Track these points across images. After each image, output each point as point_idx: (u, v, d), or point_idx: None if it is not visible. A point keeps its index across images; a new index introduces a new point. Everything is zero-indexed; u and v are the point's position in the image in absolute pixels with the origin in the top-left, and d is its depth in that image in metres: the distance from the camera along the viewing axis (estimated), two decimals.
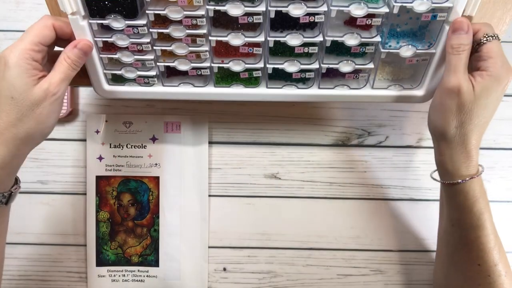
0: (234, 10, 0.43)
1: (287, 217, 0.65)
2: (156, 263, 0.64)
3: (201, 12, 0.43)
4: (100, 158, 0.63)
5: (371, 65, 0.48)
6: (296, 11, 0.43)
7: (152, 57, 0.48)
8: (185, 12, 0.43)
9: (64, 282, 0.65)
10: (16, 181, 0.46)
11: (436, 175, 0.49)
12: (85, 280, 0.65)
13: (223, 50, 0.48)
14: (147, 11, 0.44)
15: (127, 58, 0.48)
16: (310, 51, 0.46)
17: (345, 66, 0.47)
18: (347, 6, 0.42)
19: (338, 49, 0.48)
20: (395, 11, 0.43)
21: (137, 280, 0.65)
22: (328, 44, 0.45)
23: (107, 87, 0.50)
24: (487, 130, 0.64)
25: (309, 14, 0.43)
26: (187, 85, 0.50)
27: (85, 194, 0.64)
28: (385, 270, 0.66)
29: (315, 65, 0.47)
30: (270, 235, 0.65)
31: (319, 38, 0.45)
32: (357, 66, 0.47)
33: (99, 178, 0.64)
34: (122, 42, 0.46)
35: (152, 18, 0.44)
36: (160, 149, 0.63)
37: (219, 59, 0.48)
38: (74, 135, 0.64)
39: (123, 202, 0.64)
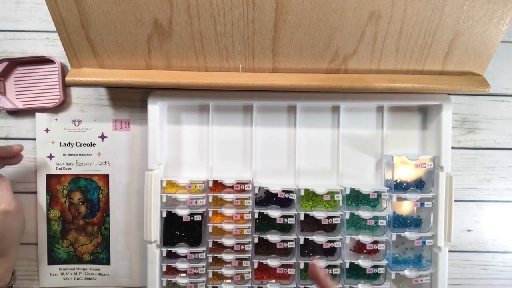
0: (273, 237, 0.60)
1: None
2: (107, 261, 0.64)
3: (248, 239, 0.60)
4: (51, 156, 0.64)
5: (386, 285, 0.62)
6: (319, 238, 0.60)
7: (204, 279, 0.60)
8: (237, 240, 0.60)
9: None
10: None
11: None
12: (36, 278, 0.64)
13: (264, 271, 0.62)
14: (208, 240, 0.60)
15: (183, 280, 0.60)
16: (333, 272, 0.60)
17: (364, 286, 0.61)
18: (357, 235, 0.60)
19: (356, 272, 0.62)
20: (393, 238, 0.60)
21: (89, 278, 0.65)
22: (347, 266, 0.60)
23: None
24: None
25: (329, 241, 0.60)
26: None
27: (35, 192, 0.64)
28: None
29: (339, 285, 0.61)
30: None
31: (339, 261, 0.61)
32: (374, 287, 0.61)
33: (49, 177, 0.64)
34: (182, 266, 0.59)
35: (211, 245, 0.60)
36: (109, 147, 0.64)
37: (259, 281, 0.62)
38: (24, 134, 0.64)
39: (74, 201, 0.64)
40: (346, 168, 0.64)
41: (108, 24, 0.52)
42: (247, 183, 0.60)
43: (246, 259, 0.61)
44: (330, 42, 0.54)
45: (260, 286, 0.61)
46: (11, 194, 0.56)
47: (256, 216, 0.60)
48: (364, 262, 0.60)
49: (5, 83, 0.63)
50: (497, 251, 0.65)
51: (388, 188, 0.61)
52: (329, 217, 0.59)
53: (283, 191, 0.60)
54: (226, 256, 0.60)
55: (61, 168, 0.64)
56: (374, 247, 0.60)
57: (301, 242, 0.60)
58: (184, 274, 0.60)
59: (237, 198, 0.60)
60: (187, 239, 0.61)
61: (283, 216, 0.59)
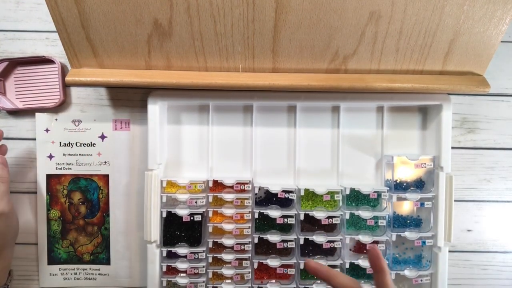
0: (273, 237, 0.60)
1: None
2: (107, 261, 0.64)
3: (248, 239, 0.60)
4: (51, 156, 0.64)
5: None
6: (319, 238, 0.60)
7: (204, 279, 0.60)
8: (237, 240, 0.60)
9: (14, 281, 0.64)
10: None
11: None
12: (36, 278, 0.64)
13: (264, 271, 0.62)
14: (208, 240, 0.60)
15: (183, 280, 0.60)
16: None
17: (364, 286, 0.61)
18: (357, 235, 0.60)
19: (357, 273, 0.62)
20: (393, 238, 0.60)
21: (89, 278, 0.65)
22: (347, 266, 0.60)
23: None
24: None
25: (329, 241, 0.60)
26: None
27: (35, 192, 0.64)
28: None
29: None
30: None
31: (339, 261, 0.61)
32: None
33: (49, 177, 0.64)
34: (182, 266, 0.59)
35: (211, 245, 0.60)
36: (109, 147, 0.64)
37: (259, 281, 0.62)
38: (24, 134, 0.64)
39: (74, 201, 0.64)
40: (346, 168, 0.64)
41: (108, 24, 0.52)
42: (247, 183, 0.60)
43: (246, 259, 0.61)
44: (330, 42, 0.54)
45: (260, 286, 0.61)
46: (8, 196, 0.56)
47: (256, 216, 0.60)
48: (364, 262, 0.60)
49: (5, 83, 0.63)
50: (497, 251, 0.66)
51: (388, 188, 0.61)
52: (329, 217, 0.59)
53: (283, 191, 0.60)
54: (226, 256, 0.60)
55: (61, 168, 0.64)
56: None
57: (301, 242, 0.60)
58: (184, 274, 0.60)
59: (237, 198, 0.60)
60: (187, 239, 0.61)
61: (283, 216, 0.59)
